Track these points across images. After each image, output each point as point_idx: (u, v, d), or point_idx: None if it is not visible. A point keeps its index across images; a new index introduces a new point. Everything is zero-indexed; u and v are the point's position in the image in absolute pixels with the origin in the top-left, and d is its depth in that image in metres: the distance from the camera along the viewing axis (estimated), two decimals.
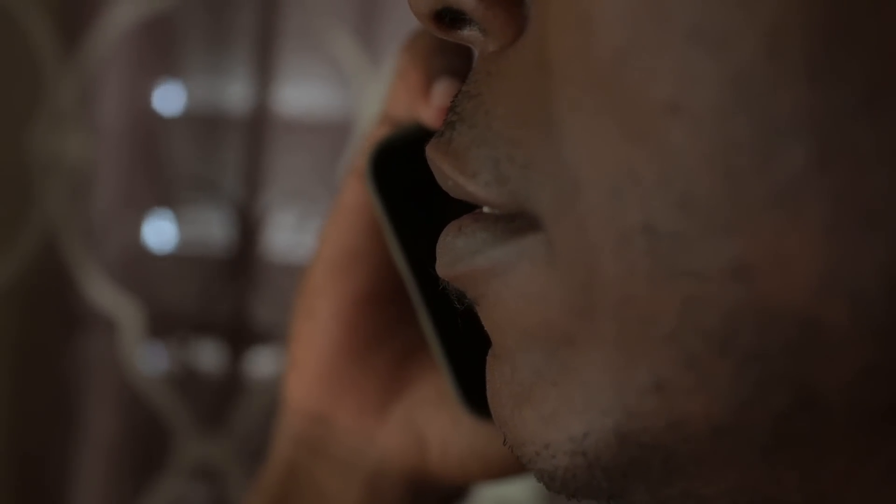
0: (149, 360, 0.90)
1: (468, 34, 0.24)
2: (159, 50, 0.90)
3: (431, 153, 0.24)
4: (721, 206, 0.18)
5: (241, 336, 0.90)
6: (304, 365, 0.37)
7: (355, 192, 0.35)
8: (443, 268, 0.24)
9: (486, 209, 0.24)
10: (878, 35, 0.17)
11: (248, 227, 0.90)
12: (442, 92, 0.32)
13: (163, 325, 0.90)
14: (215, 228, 0.91)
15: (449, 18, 0.24)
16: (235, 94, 0.90)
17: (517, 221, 0.22)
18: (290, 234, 0.91)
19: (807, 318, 0.18)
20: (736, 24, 0.18)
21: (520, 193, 0.21)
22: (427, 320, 0.33)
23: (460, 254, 0.23)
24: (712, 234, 0.18)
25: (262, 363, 0.91)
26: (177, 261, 0.93)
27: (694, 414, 0.20)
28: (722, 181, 0.18)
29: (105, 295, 0.89)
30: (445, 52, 0.33)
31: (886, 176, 0.17)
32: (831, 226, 0.18)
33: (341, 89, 0.88)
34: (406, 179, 0.33)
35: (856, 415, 0.19)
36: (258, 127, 0.89)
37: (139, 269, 0.91)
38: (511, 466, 0.35)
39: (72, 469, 0.90)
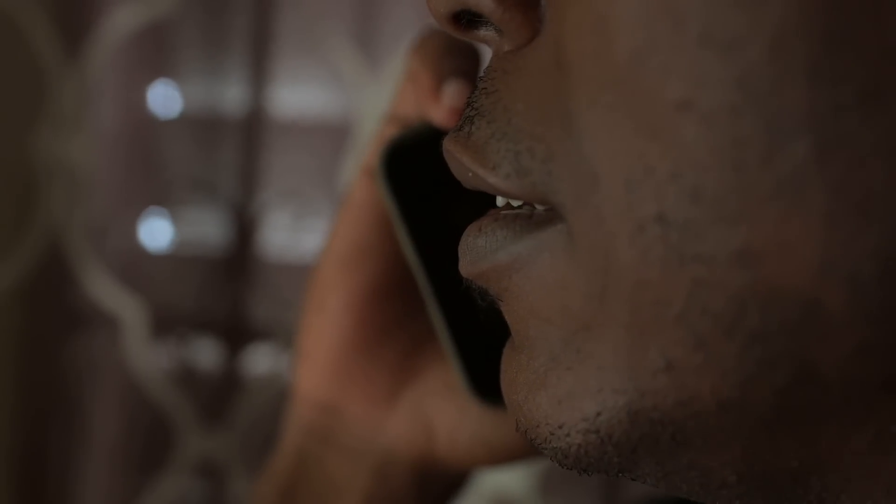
0: (151, 357, 0.90)
1: (484, 34, 0.25)
2: (157, 54, 0.90)
3: (450, 145, 0.25)
4: (729, 196, 0.20)
5: (238, 334, 0.91)
6: (314, 356, 0.38)
7: (364, 189, 0.36)
8: (465, 266, 0.25)
9: (500, 204, 0.25)
10: (875, 39, 0.18)
11: (244, 227, 0.90)
12: (452, 93, 0.33)
13: (163, 323, 0.90)
14: (213, 228, 0.91)
15: (466, 20, 0.25)
16: (233, 96, 0.90)
17: (535, 217, 0.23)
18: (285, 234, 0.91)
19: (807, 299, 0.20)
20: (743, 29, 0.19)
21: (541, 185, 0.23)
22: (436, 311, 0.35)
23: (482, 252, 0.24)
24: (720, 222, 0.20)
25: (259, 360, 0.91)
26: (175, 260, 0.93)
27: (702, 391, 0.21)
28: (730, 174, 0.19)
29: (108, 294, 0.89)
30: (455, 55, 0.34)
31: (881, 169, 0.19)
32: (830, 214, 0.19)
33: (338, 91, 0.88)
34: (416, 177, 0.34)
35: (850, 388, 0.20)
36: (255, 129, 0.89)
37: (139, 268, 0.91)
38: (516, 451, 0.36)
39: (75, 466, 0.90)
